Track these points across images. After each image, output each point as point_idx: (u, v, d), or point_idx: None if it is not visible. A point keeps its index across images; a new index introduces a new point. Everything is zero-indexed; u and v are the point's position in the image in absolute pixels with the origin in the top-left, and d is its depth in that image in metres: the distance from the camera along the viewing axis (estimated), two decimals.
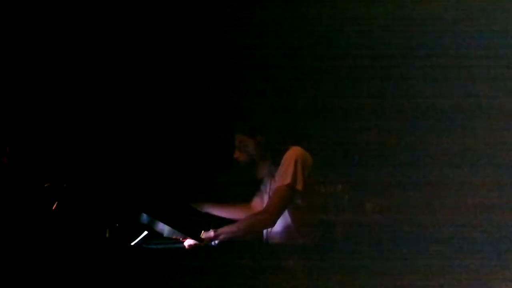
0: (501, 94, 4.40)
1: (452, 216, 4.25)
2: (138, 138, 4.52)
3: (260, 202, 3.56)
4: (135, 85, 4.54)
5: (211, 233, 3.28)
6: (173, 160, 4.62)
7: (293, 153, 3.29)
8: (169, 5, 4.55)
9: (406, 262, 3.78)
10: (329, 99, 4.74)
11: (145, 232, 3.32)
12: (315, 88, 4.78)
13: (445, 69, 4.50)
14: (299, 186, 3.22)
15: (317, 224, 3.36)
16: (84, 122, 4.38)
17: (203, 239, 3.27)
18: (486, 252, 3.96)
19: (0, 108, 4.16)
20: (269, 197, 3.35)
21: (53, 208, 3.12)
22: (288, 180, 3.21)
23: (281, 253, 3.18)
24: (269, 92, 4.62)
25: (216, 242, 3.33)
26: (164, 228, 3.32)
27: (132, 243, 3.30)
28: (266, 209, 3.31)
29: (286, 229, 3.30)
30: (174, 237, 3.39)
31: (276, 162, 3.35)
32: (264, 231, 3.40)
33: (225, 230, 3.30)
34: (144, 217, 3.24)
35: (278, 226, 3.31)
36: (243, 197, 3.74)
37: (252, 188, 3.65)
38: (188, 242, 3.33)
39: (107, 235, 3.19)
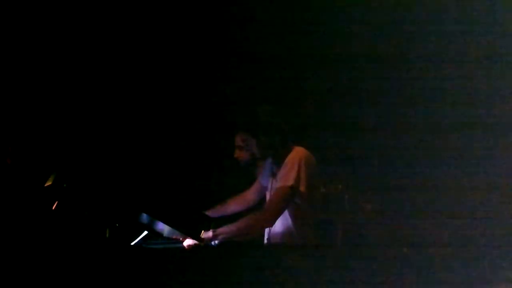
0: (501, 94, 4.40)
1: (452, 216, 4.26)
2: (138, 138, 4.52)
3: (254, 195, 3.57)
4: (136, 86, 4.54)
5: (211, 233, 3.28)
6: (173, 160, 4.62)
7: (297, 154, 3.28)
8: (170, 5, 4.55)
9: (406, 262, 3.78)
10: (330, 99, 4.75)
11: (145, 232, 3.32)
12: (315, 88, 4.78)
13: (445, 70, 4.50)
14: (302, 188, 3.22)
15: (317, 224, 3.36)
16: (85, 123, 4.38)
17: (203, 239, 3.27)
18: (486, 252, 3.96)
19: (1, 109, 4.16)
20: (270, 197, 3.34)
21: (53, 208, 3.11)
22: (291, 181, 3.21)
23: (281, 253, 3.17)
24: (270, 92, 4.62)
25: (216, 242, 3.34)
26: (164, 228, 3.31)
27: (132, 243, 3.30)
28: (266, 208, 3.31)
29: (286, 229, 3.30)
30: (174, 237, 3.39)
31: (277, 162, 3.35)
32: (265, 231, 3.41)
33: (224, 230, 3.30)
34: (144, 217, 3.24)
35: (278, 226, 3.31)
36: None
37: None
38: (188, 242, 3.33)
39: (107, 235, 3.19)
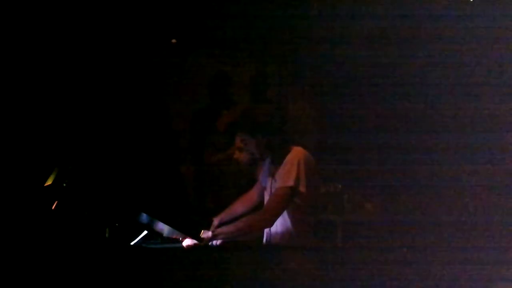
0: (501, 94, 4.40)
1: (452, 216, 4.26)
2: (138, 139, 4.52)
3: (258, 195, 3.56)
4: (135, 86, 4.54)
5: (210, 233, 3.28)
6: (172, 160, 4.62)
7: (296, 154, 3.28)
8: (168, 5, 4.55)
9: (406, 262, 3.78)
10: (330, 99, 4.75)
11: (145, 232, 3.32)
12: (315, 88, 4.79)
13: (445, 70, 4.50)
14: (302, 188, 3.22)
15: (317, 224, 3.35)
16: (85, 123, 4.38)
17: (203, 239, 3.27)
18: (486, 252, 3.96)
19: (1, 109, 4.16)
20: (269, 197, 3.34)
21: (53, 208, 3.11)
22: (290, 182, 3.21)
23: (281, 253, 3.17)
24: (269, 92, 4.62)
25: (217, 242, 3.34)
26: (164, 228, 3.31)
27: (132, 243, 3.30)
28: (266, 209, 3.31)
29: (286, 229, 3.30)
30: (174, 237, 3.39)
31: (275, 162, 3.35)
32: (264, 231, 3.40)
33: (224, 230, 3.30)
34: (144, 217, 3.24)
35: (278, 226, 3.31)
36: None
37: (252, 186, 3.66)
38: (188, 242, 3.33)
39: (107, 235, 3.18)
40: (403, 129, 4.54)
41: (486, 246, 4.02)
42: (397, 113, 4.56)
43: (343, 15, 4.61)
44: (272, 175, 3.38)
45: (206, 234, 3.30)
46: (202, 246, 3.23)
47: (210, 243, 3.31)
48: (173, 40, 4.63)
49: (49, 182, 3.19)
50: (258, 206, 3.54)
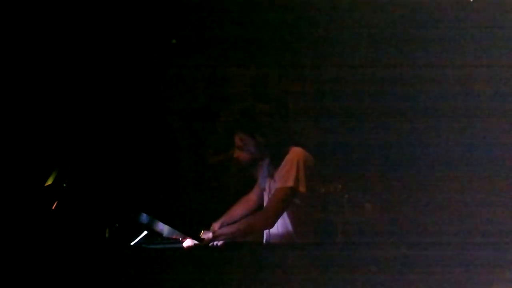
0: (501, 94, 4.40)
1: (452, 216, 4.26)
2: (138, 139, 4.52)
3: (257, 197, 3.56)
4: (135, 86, 4.54)
5: (211, 233, 3.28)
6: (172, 160, 4.62)
7: (295, 154, 3.28)
8: (168, 5, 4.55)
9: (406, 262, 3.78)
10: (330, 99, 4.75)
11: (145, 232, 3.32)
12: (315, 88, 4.79)
13: (444, 70, 4.50)
14: (302, 189, 3.22)
15: (317, 224, 3.35)
16: (85, 123, 4.38)
17: (203, 239, 3.27)
18: (486, 252, 3.96)
19: (1, 109, 4.16)
20: (269, 198, 3.34)
21: (53, 208, 3.11)
22: (290, 182, 3.20)
23: (281, 253, 3.17)
24: (269, 92, 4.62)
25: (218, 242, 3.34)
26: (164, 228, 3.31)
27: (132, 243, 3.30)
28: (266, 210, 3.30)
29: (286, 229, 3.29)
30: (174, 237, 3.39)
31: (274, 162, 3.34)
32: (264, 231, 3.40)
33: (224, 231, 3.30)
34: (144, 217, 3.24)
35: (278, 227, 3.31)
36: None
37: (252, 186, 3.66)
38: (188, 242, 3.33)
39: (107, 235, 3.19)
40: (403, 129, 4.54)
41: (486, 246, 4.02)
42: (398, 113, 4.55)
43: (344, 14, 4.61)
44: (271, 175, 3.38)
45: (206, 234, 3.30)
46: (202, 247, 3.23)
47: (210, 244, 3.31)
48: (173, 40, 4.63)
49: (49, 182, 3.19)
50: (258, 208, 3.54)
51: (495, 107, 4.40)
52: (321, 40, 4.70)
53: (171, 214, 3.55)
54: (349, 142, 4.65)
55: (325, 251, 3.31)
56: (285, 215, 3.27)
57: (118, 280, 2.87)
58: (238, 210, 3.57)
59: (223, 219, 3.52)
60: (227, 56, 4.66)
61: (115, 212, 3.24)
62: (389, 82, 4.62)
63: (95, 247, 3.00)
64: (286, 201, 3.23)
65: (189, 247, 3.29)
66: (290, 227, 3.28)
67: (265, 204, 3.40)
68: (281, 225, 3.30)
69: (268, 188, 3.40)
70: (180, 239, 3.37)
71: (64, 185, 3.18)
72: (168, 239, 3.41)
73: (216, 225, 3.48)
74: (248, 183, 3.67)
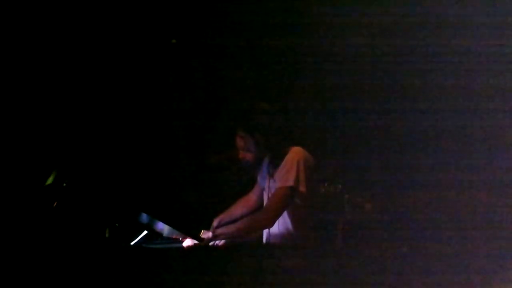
0: (501, 94, 4.40)
1: (452, 216, 4.25)
2: (138, 138, 4.52)
3: (257, 197, 3.56)
4: (135, 86, 4.54)
5: (211, 233, 3.28)
6: (172, 160, 4.62)
7: (295, 154, 3.28)
8: (169, 5, 4.55)
9: (406, 262, 3.78)
10: (329, 99, 4.74)
11: (145, 232, 3.32)
12: (315, 88, 4.78)
13: (445, 70, 4.50)
14: (302, 188, 3.22)
15: (317, 224, 3.36)
16: (85, 123, 4.38)
17: (203, 239, 3.27)
18: (486, 252, 3.96)
19: (1, 109, 4.16)
20: (269, 198, 3.34)
21: (53, 208, 3.11)
22: (290, 182, 3.21)
23: (281, 253, 3.17)
24: (269, 92, 4.62)
25: (218, 242, 3.34)
26: (164, 228, 3.31)
27: (132, 243, 3.30)
28: (266, 209, 3.31)
29: (286, 229, 3.30)
30: (174, 237, 3.39)
31: (274, 162, 3.35)
32: (264, 231, 3.40)
33: (224, 230, 3.30)
34: (144, 217, 3.24)
35: (278, 226, 3.31)
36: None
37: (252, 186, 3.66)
38: (188, 242, 3.33)
39: (107, 235, 3.19)
40: (404, 129, 4.53)
41: (487, 246, 4.02)
42: (398, 113, 4.55)
43: (344, 14, 4.60)
44: (271, 175, 3.38)
45: (206, 234, 3.30)
46: (202, 246, 3.24)
47: (210, 244, 3.31)
48: (173, 40, 4.63)
49: (49, 182, 3.19)
50: (257, 208, 3.54)
51: (495, 107, 4.39)
52: (322, 40, 4.70)
53: (171, 214, 3.54)
54: (349, 142, 4.64)
55: (325, 251, 3.31)
56: (285, 214, 3.27)
57: (118, 280, 2.87)
58: (238, 209, 3.57)
59: (221, 217, 3.52)
60: (227, 56, 4.65)
61: (115, 212, 3.24)
62: (389, 82, 4.62)
63: (95, 247, 3.00)
64: (286, 200, 3.23)
65: (189, 247, 3.29)
66: (290, 227, 3.29)
67: (265, 203, 3.40)
68: (281, 225, 3.30)
69: (268, 187, 3.40)
70: (180, 239, 3.37)
71: (64, 185, 3.18)
72: (168, 239, 3.41)
73: (215, 222, 3.48)
74: (248, 183, 3.67)
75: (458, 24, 4.42)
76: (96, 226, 3.17)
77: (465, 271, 3.78)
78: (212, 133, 4.59)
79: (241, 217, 3.43)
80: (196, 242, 3.27)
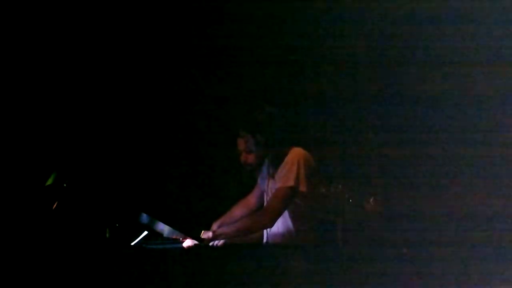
0: (501, 94, 4.40)
1: (452, 216, 4.25)
2: (138, 139, 4.52)
3: (257, 198, 3.56)
4: (136, 86, 4.54)
5: (211, 233, 3.28)
6: (173, 160, 4.62)
7: (296, 154, 3.28)
8: (169, 4, 4.55)
9: (406, 262, 3.78)
10: (329, 99, 4.75)
11: (145, 232, 3.32)
12: (315, 88, 4.78)
13: (445, 69, 4.50)
14: (302, 188, 3.22)
15: (317, 224, 3.36)
16: (85, 123, 4.38)
17: (203, 239, 3.27)
18: (486, 252, 3.96)
19: (1, 109, 4.16)
20: (269, 197, 3.34)
21: (53, 208, 3.12)
22: (291, 182, 3.21)
23: (281, 253, 3.17)
24: (269, 92, 4.62)
25: (218, 242, 3.34)
26: (164, 228, 3.32)
27: (132, 243, 3.30)
28: (266, 209, 3.31)
29: (286, 229, 3.30)
30: (174, 237, 3.39)
31: (275, 162, 3.35)
32: (264, 231, 3.41)
33: (224, 230, 3.30)
34: (144, 217, 3.24)
35: (278, 226, 3.31)
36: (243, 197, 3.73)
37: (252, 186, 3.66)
38: (188, 242, 3.33)
39: (107, 235, 3.19)
40: (404, 129, 4.53)
41: (487, 246, 4.01)
42: (398, 113, 4.55)
43: (344, 15, 4.60)
44: (271, 175, 3.38)
45: (206, 234, 3.30)
46: (202, 247, 3.24)
47: (210, 244, 3.31)
48: (173, 40, 4.63)
49: (49, 182, 3.19)
50: (257, 210, 3.54)
51: (496, 107, 4.39)
52: (322, 39, 4.70)
53: (171, 214, 3.54)
54: (349, 142, 4.64)
55: (325, 251, 3.31)
56: (285, 214, 3.28)
57: (118, 280, 2.87)
58: (238, 211, 3.57)
59: (222, 219, 3.52)
60: (228, 56, 4.65)
61: (115, 212, 3.24)
62: (390, 81, 4.62)
63: (95, 247, 3.00)
64: (287, 200, 3.23)
65: (189, 247, 3.29)
66: (290, 227, 3.29)
67: (265, 204, 3.40)
68: (281, 224, 3.30)
69: (268, 188, 3.40)
70: (180, 239, 3.37)
71: (64, 185, 3.18)
72: (168, 239, 3.41)
73: (215, 225, 3.48)
74: (248, 183, 3.67)
75: (458, 25, 4.42)
76: (96, 226, 3.17)
77: (465, 271, 3.78)
78: (213, 133, 4.59)
79: (241, 218, 3.43)
80: (196, 242, 3.27)
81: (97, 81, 4.45)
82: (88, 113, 4.41)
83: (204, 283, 2.93)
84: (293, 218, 3.28)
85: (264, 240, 3.41)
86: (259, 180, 3.54)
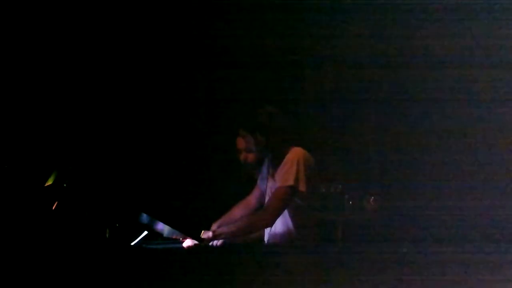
0: (501, 94, 4.40)
1: (452, 216, 4.25)
2: (139, 139, 4.52)
3: (256, 198, 3.56)
4: (136, 86, 4.54)
5: (211, 233, 3.28)
6: (173, 160, 4.62)
7: (295, 154, 3.28)
8: (170, 4, 4.55)
9: (406, 262, 3.78)
10: (330, 99, 4.75)
11: (145, 232, 3.32)
12: (315, 88, 4.78)
13: (445, 69, 4.50)
14: (302, 188, 3.22)
15: (317, 224, 3.36)
16: (85, 123, 4.38)
17: (203, 239, 3.27)
18: (486, 252, 3.95)
19: (1, 109, 4.16)
20: (269, 197, 3.34)
21: (53, 208, 3.11)
22: (290, 181, 3.21)
23: (281, 253, 3.17)
24: (269, 92, 4.62)
25: (218, 242, 3.34)
26: (164, 228, 3.31)
27: (132, 243, 3.30)
28: (266, 208, 3.31)
29: (286, 229, 3.30)
30: (174, 237, 3.39)
31: (274, 162, 3.35)
32: (264, 231, 3.41)
33: (224, 230, 3.30)
34: (144, 217, 3.24)
35: (278, 226, 3.31)
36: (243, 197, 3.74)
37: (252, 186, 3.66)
38: (188, 242, 3.33)
39: (107, 235, 3.19)
40: (404, 129, 4.53)
41: (488, 246, 4.01)
42: (398, 113, 4.55)
43: (344, 14, 4.61)
44: (271, 175, 3.38)
45: (206, 234, 3.30)
46: (202, 247, 3.23)
47: (210, 244, 3.31)
48: (173, 40, 4.63)
49: (49, 182, 3.19)
50: (257, 210, 3.54)
51: (496, 107, 4.39)
52: (322, 39, 4.70)
53: (171, 214, 3.54)
54: (349, 142, 4.64)
55: (325, 251, 3.31)
56: (285, 214, 3.28)
57: (118, 280, 2.87)
58: (238, 211, 3.57)
59: (222, 219, 3.52)
60: (228, 56, 4.65)
61: (115, 212, 3.24)
62: (390, 81, 4.62)
63: (95, 247, 3.00)
64: (286, 200, 3.23)
65: (189, 247, 3.29)
66: (290, 226, 3.29)
67: (265, 203, 3.40)
68: (281, 224, 3.30)
69: (268, 188, 3.40)
70: (180, 239, 3.37)
71: (64, 185, 3.18)
72: (168, 239, 3.41)
73: (215, 225, 3.48)
74: (248, 183, 3.67)
75: (458, 25, 4.42)
76: (96, 226, 3.17)
77: (465, 271, 3.77)
78: (213, 133, 4.59)
79: (241, 218, 3.43)
80: (196, 242, 3.27)
81: (97, 81, 4.45)
82: (88, 113, 4.41)
83: (204, 283, 2.93)
84: (293, 217, 3.28)
85: (264, 240, 3.41)
86: (258, 181, 3.54)
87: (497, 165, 4.31)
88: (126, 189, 3.95)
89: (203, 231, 3.33)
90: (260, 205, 3.51)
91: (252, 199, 3.58)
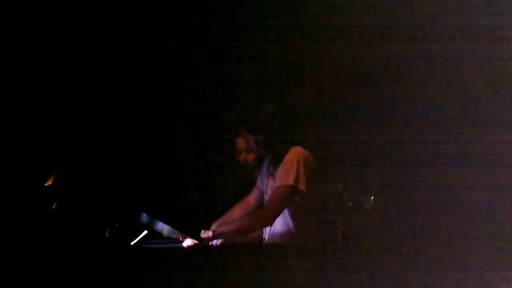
0: (501, 94, 4.40)
1: (452, 216, 4.26)
2: (139, 139, 4.52)
3: (256, 198, 3.56)
4: (136, 86, 4.54)
5: (211, 232, 3.28)
6: (173, 160, 4.62)
7: (295, 153, 3.28)
8: (170, 3, 4.55)
9: (406, 262, 3.78)
10: (330, 99, 4.75)
11: (145, 232, 3.32)
12: (315, 88, 4.79)
13: (445, 70, 4.50)
14: (302, 187, 3.22)
15: (317, 224, 3.36)
16: (85, 123, 4.38)
17: (203, 238, 3.27)
18: (486, 252, 3.96)
19: (1, 109, 4.16)
20: (269, 196, 3.34)
21: (53, 208, 3.11)
22: (290, 181, 3.21)
23: (281, 253, 3.17)
24: (270, 92, 4.62)
25: (217, 242, 3.34)
26: (164, 228, 3.32)
27: (132, 243, 3.30)
28: (265, 207, 3.31)
29: (286, 229, 3.30)
30: (173, 237, 3.39)
31: (274, 162, 3.35)
32: (264, 231, 3.41)
33: (224, 229, 3.30)
34: (144, 216, 3.24)
35: (278, 226, 3.31)
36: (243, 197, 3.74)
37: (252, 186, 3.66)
38: (188, 242, 3.33)
39: (107, 235, 3.19)
40: (404, 129, 4.53)
41: (487, 246, 4.02)
42: (398, 113, 4.55)
43: (344, 14, 4.61)
44: (271, 175, 3.38)
45: (206, 234, 3.30)
46: (202, 246, 3.24)
47: (210, 243, 3.31)
48: (173, 40, 4.63)
49: (49, 182, 3.19)
50: (256, 210, 3.54)
51: (496, 107, 4.39)
52: (322, 39, 4.70)
53: (171, 214, 3.54)
54: (349, 142, 4.64)
55: (325, 251, 3.31)
56: (285, 214, 3.28)
57: (118, 280, 2.87)
58: (237, 211, 3.57)
59: (222, 219, 3.52)
60: (228, 56, 4.66)
61: (115, 212, 3.24)
62: (389, 82, 4.62)
63: (95, 247, 3.00)
64: (286, 199, 3.23)
65: (189, 247, 3.29)
66: (290, 226, 3.29)
67: (265, 202, 3.41)
68: (281, 224, 3.31)
69: (268, 187, 3.40)
70: (180, 239, 3.37)
71: (65, 185, 3.18)
72: (168, 239, 3.41)
73: (215, 225, 3.48)
74: (248, 183, 3.68)
75: (458, 26, 4.42)
76: (96, 225, 3.17)
77: (465, 271, 3.78)
78: (213, 133, 4.59)
79: (241, 218, 3.43)
80: (196, 241, 3.27)
81: (97, 81, 4.45)
82: (88, 113, 4.41)
83: (204, 283, 2.93)
84: (293, 217, 3.28)
85: (264, 239, 3.41)
86: (258, 181, 3.54)
87: (497, 165, 4.31)
88: (125, 188, 3.95)
89: (203, 231, 3.33)
90: (260, 205, 3.51)
91: (252, 199, 3.58)
